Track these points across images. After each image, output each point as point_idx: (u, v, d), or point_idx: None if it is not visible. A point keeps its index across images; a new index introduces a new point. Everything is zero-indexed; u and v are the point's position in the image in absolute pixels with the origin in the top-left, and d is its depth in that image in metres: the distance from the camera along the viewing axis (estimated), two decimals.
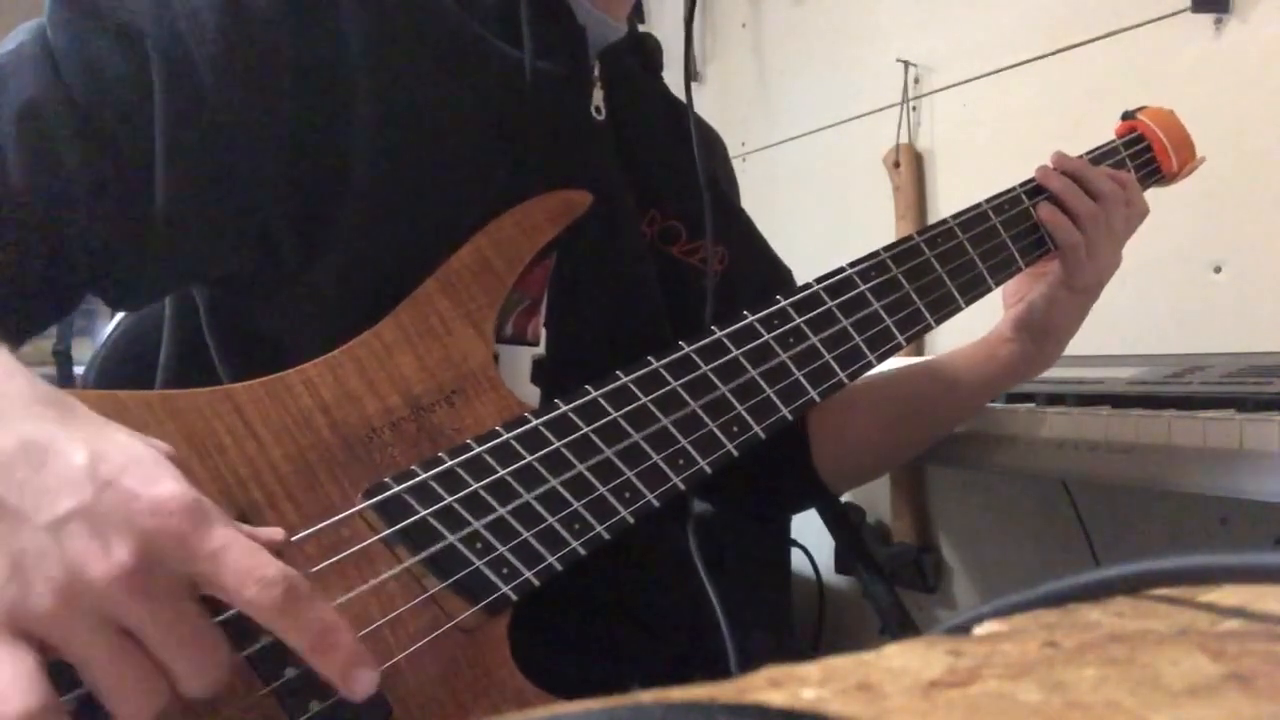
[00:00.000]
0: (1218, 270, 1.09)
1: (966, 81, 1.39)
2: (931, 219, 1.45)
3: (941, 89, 1.43)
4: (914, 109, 1.47)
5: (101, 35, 0.50)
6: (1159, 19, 1.14)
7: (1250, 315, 1.06)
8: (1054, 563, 1.22)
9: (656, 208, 0.68)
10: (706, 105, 1.88)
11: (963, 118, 1.40)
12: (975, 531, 1.37)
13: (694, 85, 2.13)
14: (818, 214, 1.65)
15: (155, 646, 0.36)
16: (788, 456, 0.74)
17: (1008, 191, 0.72)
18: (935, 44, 1.43)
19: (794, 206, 1.67)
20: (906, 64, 1.45)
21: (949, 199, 1.43)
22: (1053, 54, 1.27)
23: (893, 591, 1.25)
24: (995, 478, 1.30)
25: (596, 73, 0.65)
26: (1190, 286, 1.10)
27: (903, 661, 0.18)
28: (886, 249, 0.65)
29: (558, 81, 0.61)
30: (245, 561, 0.37)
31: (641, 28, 0.73)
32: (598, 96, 0.65)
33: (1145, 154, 0.81)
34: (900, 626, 1.23)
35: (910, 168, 1.44)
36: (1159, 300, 1.11)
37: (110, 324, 0.86)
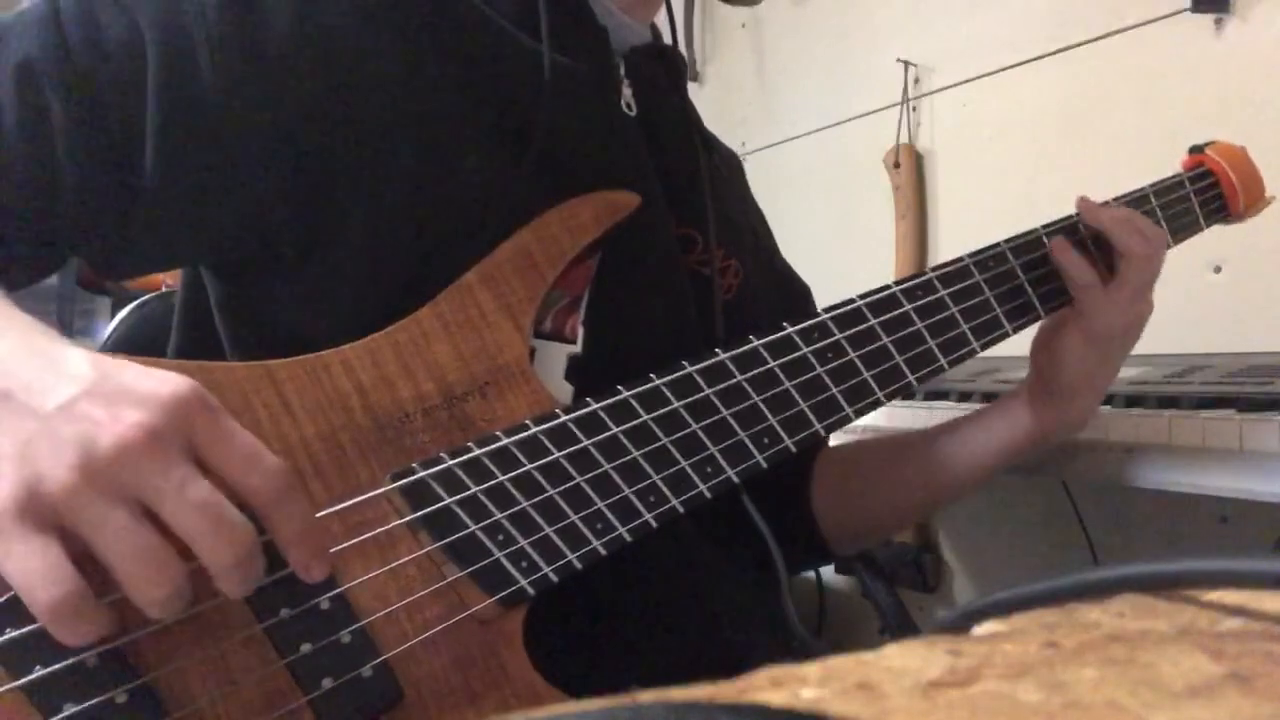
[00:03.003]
0: (1218, 270, 1.09)
1: (966, 81, 1.39)
2: (931, 219, 1.45)
3: (941, 89, 1.43)
4: (914, 109, 1.47)
5: (106, 3, 0.51)
6: (1159, 19, 1.14)
7: (1250, 315, 1.06)
8: (1054, 563, 1.22)
9: (675, 213, 0.68)
10: (706, 105, 1.88)
11: (963, 118, 1.40)
12: (975, 531, 1.37)
13: (694, 85, 2.13)
14: (818, 214, 1.65)
15: (172, 512, 0.36)
16: (786, 509, 0.72)
17: (1029, 233, 0.68)
18: (935, 44, 1.43)
19: (794, 206, 1.67)
20: (906, 64, 1.45)
21: (949, 199, 1.43)
22: (1053, 54, 1.27)
23: (893, 591, 1.25)
24: (995, 478, 1.29)
25: (622, 71, 0.65)
26: (1190, 286, 1.10)
27: (903, 661, 0.18)
28: (935, 269, 0.64)
29: (582, 76, 0.61)
30: (251, 448, 0.39)
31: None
32: (627, 94, 0.65)
33: (1212, 189, 0.78)
34: (900, 626, 1.23)
35: (910, 168, 1.44)
36: (1159, 300, 1.11)
37: (111, 324, 0.86)
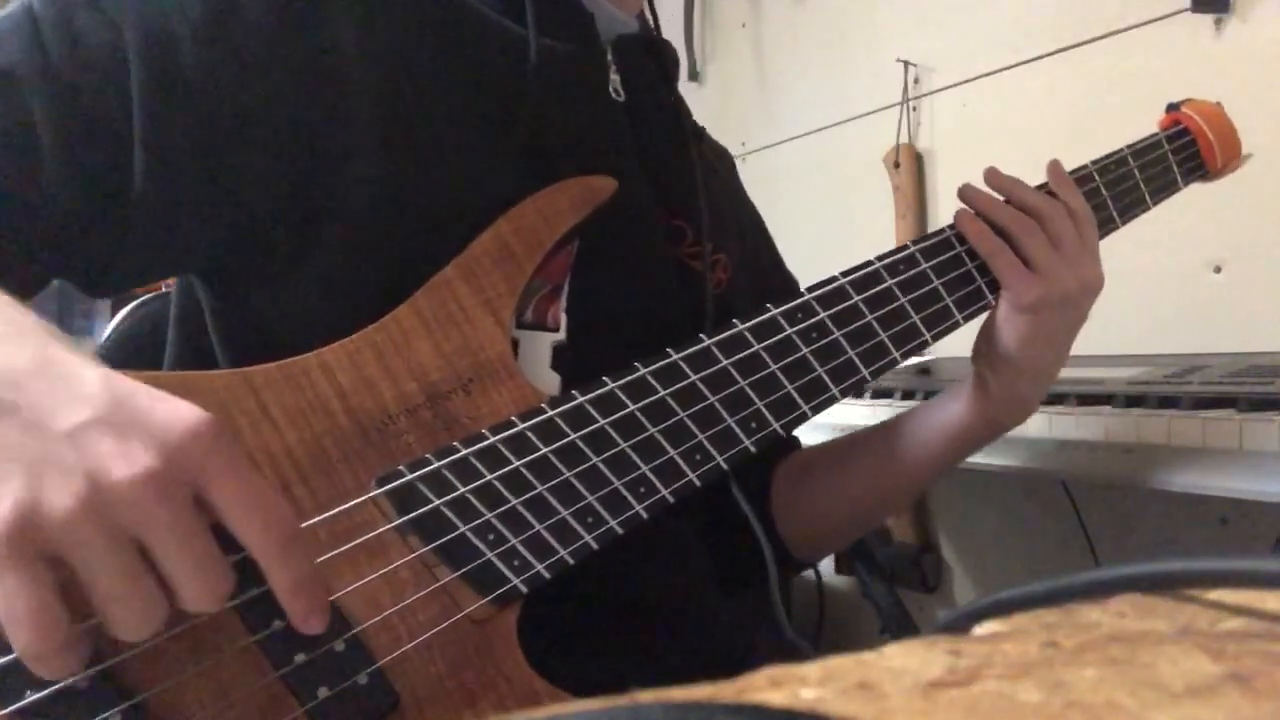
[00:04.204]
0: (1218, 270, 1.09)
1: (966, 81, 1.39)
2: (931, 219, 1.45)
3: (941, 89, 1.43)
4: (914, 109, 1.47)
5: (85, 9, 0.50)
6: (1159, 19, 1.14)
7: (1250, 315, 1.06)
8: (1054, 563, 1.22)
9: (663, 204, 0.68)
10: (706, 105, 1.89)
11: (963, 118, 1.40)
12: (975, 531, 1.37)
13: (694, 85, 2.13)
14: (818, 214, 1.65)
15: (169, 557, 0.35)
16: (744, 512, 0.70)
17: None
18: (935, 44, 1.43)
19: (794, 206, 1.67)
20: (906, 64, 1.45)
21: (949, 199, 1.43)
22: (1053, 54, 1.27)
23: (893, 591, 1.26)
24: (995, 478, 1.30)
25: (610, 57, 0.65)
26: (1190, 286, 1.10)
27: (903, 661, 0.18)
28: (915, 242, 0.63)
29: (569, 60, 0.61)
30: (260, 494, 0.38)
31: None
32: (615, 80, 0.65)
33: (1189, 148, 0.78)
34: (900, 626, 1.23)
35: (910, 168, 1.44)
36: (1159, 300, 1.11)
37: (110, 324, 0.86)
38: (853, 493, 0.72)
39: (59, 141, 0.49)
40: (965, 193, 0.66)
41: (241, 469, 0.38)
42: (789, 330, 0.57)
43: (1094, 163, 0.73)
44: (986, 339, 0.66)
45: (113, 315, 0.86)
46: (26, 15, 0.50)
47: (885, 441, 0.71)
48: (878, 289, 0.61)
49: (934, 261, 0.63)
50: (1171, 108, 0.82)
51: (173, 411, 0.37)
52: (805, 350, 0.57)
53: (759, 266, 0.80)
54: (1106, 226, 0.71)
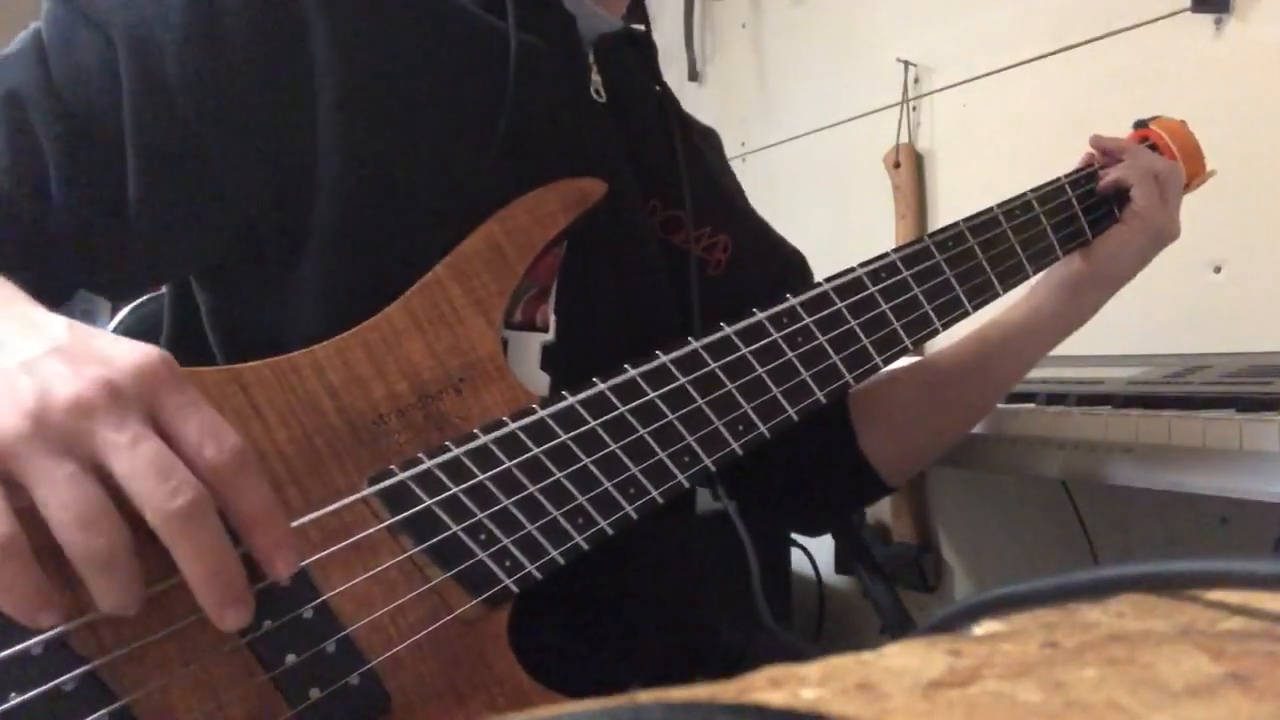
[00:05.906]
0: (1218, 270, 1.09)
1: (966, 81, 1.39)
2: (931, 219, 1.45)
3: (941, 89, 1.43)
4: (914, 109, 1.47)
5: (82, 27, 0.51)
6: (1159, 19, 1.14)
7: (1250, 315, 1.06)
8: (1054, 563, 1.22)
9: (658, 197, 0.68)
10: (706, 105, 1.89)
11: (963, 118, 1.40)
12: (975, 531, 1.37)
13: (694, 85, 2.12)
14: (818, 214, 1.65)
15: (123, 465, 0.35)
16: (834, 453, 0.73)
17: (1052, 182, 0.74)
18: (935, 44, 1.43)
19: (794, 206, 1.67)
20: (906, 64, 1.45)
21: (949, 199, 1.43)
22: (1053, 54, 1.27)
23: (893, 591, 1.25)
24: (995, 478, 1.30)
25: (592, 58, 0.65)
26: (1190, 286, 1.10)
27: (903, 661, 0.18)
28: (896, 250, 0.64)
29: (551, 60, 0.61)
30: (212, 421, 0.38)
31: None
32: (597, 81, 0.65)
33: None
34: (900, 626, 1.23)
35: (910, 168, 1.44)
36: (1159, 300, 1.11)
37: (110, 325, 0.86)
38: (943, 417, 0.76)
39: (61, 157, 0.50)
40: (1099, 141, 0.78)
41: (194, 399, 0.38)
42: (775, 335, 0.58)
43: (1066, 176, 0.75)
44: (1106, 254, 0.74)
45: (112, 315, 0.87)
46: (35, 35, 0.52)
47: (991, 366, 0.75)
48: (860, 295, 0.62)
49: (913, 270, 0.64)
50: (1139, 124, 0.84)
51: (130, 346, 0.38)
52: (790, 355, 0.58)
53: (763, 240, 0.80)
54: (1079, 239, 0.74)
